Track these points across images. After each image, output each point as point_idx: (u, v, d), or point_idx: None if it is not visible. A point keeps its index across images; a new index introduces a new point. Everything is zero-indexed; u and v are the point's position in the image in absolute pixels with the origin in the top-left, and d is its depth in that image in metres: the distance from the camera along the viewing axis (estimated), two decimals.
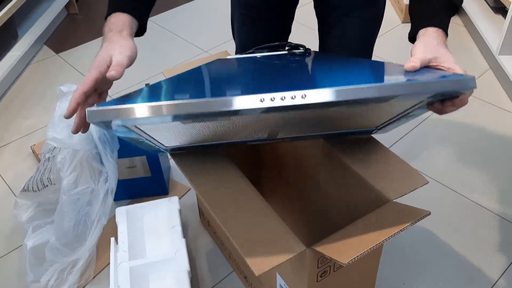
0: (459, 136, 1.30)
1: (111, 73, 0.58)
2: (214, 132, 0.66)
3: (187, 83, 0.65)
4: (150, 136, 0.66)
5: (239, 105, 0.50)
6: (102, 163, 0.95)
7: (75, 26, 2.00)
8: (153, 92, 0.60)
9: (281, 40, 0.94)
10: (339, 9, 0.89)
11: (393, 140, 1.29)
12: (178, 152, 0.82)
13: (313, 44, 0.93)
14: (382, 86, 0.50)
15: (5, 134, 1.41)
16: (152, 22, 1.94)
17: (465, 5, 1.76)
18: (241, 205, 0.71)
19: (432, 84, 0.53)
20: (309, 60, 0.76)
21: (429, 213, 0.64)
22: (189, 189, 1.17)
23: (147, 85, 0.72)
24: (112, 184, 0.96)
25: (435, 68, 0.62)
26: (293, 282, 0.73)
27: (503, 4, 1.49)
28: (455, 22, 1.82)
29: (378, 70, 0.63)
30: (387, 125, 0.74)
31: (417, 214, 0.63)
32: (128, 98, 0.56)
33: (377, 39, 0.94)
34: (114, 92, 1.54)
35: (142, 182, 1.11)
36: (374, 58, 0.98)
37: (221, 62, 0.78)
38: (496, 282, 0.93)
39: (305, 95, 0.50)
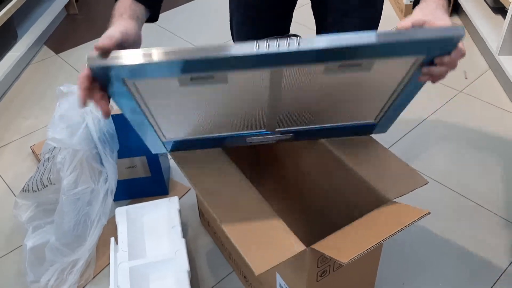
0: (458, 136, 1.30)
1: (97, 43, 0.56)
2: (213, 110, 0.67)
3: None
4: (149, 111, 0.66)
5: (235, 51, 0.52)
6: (102, 163, 0.96)
7: (75, 26, 2.00)
8: None
9: None
10: (338, 11, 0.89)
11: (393, 141, 1.29)
12: (178, 152, 0.82)
13: None
14: (373, 34, 0.53)
15: (5, 134, 1.41)
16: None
17: (465, 5, 1.76)
18: (241, 205, 0.71)
19: (419, 32, 0.54)
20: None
21: (428, 213, 0.64)
22: (189, 189, 1.17)
23: None
24: (112, 184, 0.96)
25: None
26: (293, 281, 0.73)
27: (503, 4, 1.49)
28: (454, 22, 1.82)
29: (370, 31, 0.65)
30: (385, 113, 0.75)
31: (416, 214, 0.63)
32: None
33: None
34: None
35: (142, 182, 1.12)
36: None
37: None
38: (496, 282, 0.94)
39: (300, 43, 0.53)
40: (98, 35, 0.64)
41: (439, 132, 1.32)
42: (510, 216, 1.07)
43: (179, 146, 0.81)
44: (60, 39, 1.91)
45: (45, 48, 1.85)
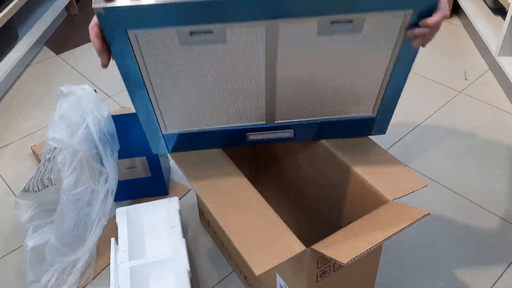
0: (458, 137, 1.30)
1: None
2: (212, 80, 0.69)
3: None
4: (150, 81, 0.67)
5: None
6: (102, 163, 0.96)
7: (75, 27, 2.00)
8: None
9: None
10: None
11: (393, 141, 1.29)
12: (178, 152, 0.83)
13: None
14: None
15: (6, 135, 1.41)
16: None
17: (464, 6, 1.76)
18: (241, 205, 0.71)
19: None
20: None
21: (428, 214, 0.64)
22: (189, 190, 1.17)
23: None
24: (112, 185, 0.96)
25: None
26: (293, 282, 0.73)
27: (502, 5, 1.50)
28: (454, 23, 1.83)
29: None
30: (382, 100, 0.75)
31: (416, 214, 0.64)
32: None
33: None
34: (114, 92, 1.54)
35: (142, 183, 1.12)
36: None
37: None
38: (495, 282, 0.94)
39: None
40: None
41: (439, 132, 1.32)
42: (510, 216, 1.07)
43: (180, 145, 0.82)
44: (61, 39, 1.91)
45: (45, 48, 1.85)
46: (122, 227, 0.98)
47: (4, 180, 1.25)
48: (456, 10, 1.86)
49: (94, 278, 0.98)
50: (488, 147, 1.26)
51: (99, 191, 0.95)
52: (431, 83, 1.50)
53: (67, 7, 2.07)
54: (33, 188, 1.00)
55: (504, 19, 1.43)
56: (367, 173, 0.75)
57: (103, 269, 1.00)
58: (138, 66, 0.66)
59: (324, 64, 0.69)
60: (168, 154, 0.85)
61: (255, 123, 0.78)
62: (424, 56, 1.63)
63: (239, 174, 0.77)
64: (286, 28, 0.62)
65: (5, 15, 1.56)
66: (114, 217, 1.01)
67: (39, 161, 1.28)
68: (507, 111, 1.39)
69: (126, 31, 0.61)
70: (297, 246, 0.63)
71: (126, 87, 0.69)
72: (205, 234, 1.07)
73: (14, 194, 1.20)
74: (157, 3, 0.57)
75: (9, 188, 1.22)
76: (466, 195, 1.12)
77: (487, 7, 1.73)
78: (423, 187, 0.71)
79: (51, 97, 1.56)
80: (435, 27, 0.62)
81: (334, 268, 0.71)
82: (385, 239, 0.60)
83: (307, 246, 0.63)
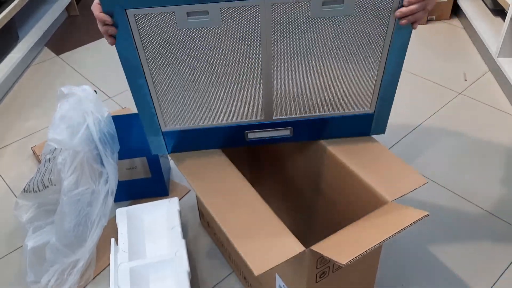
0: (457, 138, 1.30)
1: None
2: (209, 66, 0.70)
3: None
4: (147, 64, 0.69)
5: None
6: (102, 164, 0.96)
7: (76, 28, 2.01)
8: None
9: None
10: None
11: (392, 142, 1.30)
12: (178, 153, 0.83)
13: None
14: None
15: (6, 135, 1.41)
16: None
17: (464, 7, 1.77)
18: (241, 206, 0.71)
19: None
20: None
21: (427, 215, 0.64)
22: (189, 190, 1.18)
23: None
24: (113, 185, 0.97)
25: None
26: (292, 282, 0.73)
27: (502, 7, 1.50)
28: (454, 24, 1.83)
29: None
30: (379, 94, 0.76)
31: (415, 215, 0.64)
32: None
33: None
34: (114, 93, 1.55)
35: (142, 183, 1.12)
36: None
37: None
38: (495, 283, 0.94)
39: None
40: (99, 36, 0.66)
41: (438, 134, 1.32)
42: (509, 218, 1.07)
43: (179, 145, 0.82)
44: (61, 40, 1.91)
45: (46, 49, 1.86)
46: (122, 227, 0.98)
47: (4, 181, 1.25)
48: (456, 11, 1.86)
49: (94, 278, 0.99)
50: (487, 148, 1.26)
51: (99, 192, 0.95)
52: (430, 84, 1.50)
53: (67, 8, 2.07)
54: (33, 188, 1.01)
55: (504, 20, 1.44)
56: (367, 173, 0.75)
57: (103, 270, 1.00)
58: (137, 51, 0.67)
59: (319, 52, 0.70)
60: (168, 155, 0.85)
61: (253, 120, 0.78)
62: (424, 57, 1.63)
63: (238, 175, 0.77)
64: (280, 8, 0.64)
65: (6, 16, 1.57)
66: (114, 217, 1.01)
67: (39, 161, 1.29)
68: (506, 112, 1.39)
69: (125, 11, 0.62)
70: (297, 247, 0.63)
71: (126, 75, 0.71)
72: (205, 235, 1.07)
73: (15, 195, 1.20)
74: None
75: (10, 188, 1.23)
76: (465, 196, 1.13)
77: (487, 8, 1.73)
78: (423, 185, 0.71)
79: (52, 98, 1.56)
80: (421, 6, 0.65)
81: (334, 269, 0.71)
82: (384, 240, 0.60)
83: (306, 247, 0.63)
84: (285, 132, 0.81)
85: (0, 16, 1.54)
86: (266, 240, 0.65)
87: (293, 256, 0.62)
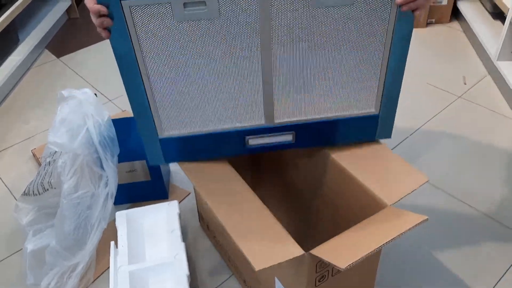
0: (457, 142, 1.30)
1: None
2: (206, 63, 0.68)
3: None
4: (143, 61, 0.67)
5: None
6: (102, 167, 0.96)
7: (76, 30, 2.01)
8: None
9: None
10: None
11: (391, 146, 1.30)
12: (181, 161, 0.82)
13: None
14: None
15: (6, 138, 1.42)
16: None
17: (464, 10, 1.77)
18: (242, 211, 0.71)
19: None
20: None
21: (426, 219, 0.64)
22: (189, 193, 1.18)
23: None
24: (112, 188, 0.97)
25: None
26: (292, 286, 0.73)
27: (502, 10, 1.50)
28: (454, 27, 1.83)
29: None
30: (383, 92, 0.74)
31: (414, 220, 0.64)
32: None
33: None
34: (114, 96, 1.55)
35: (142, 186, 1.12)
36: None
37: None
38: (494, 286, 0.94)
39: None
40: (99, 39, 0.66)
41: (438, 137, 1.32)
42: (508, 221, 1.07)
43: (177, 153, 0.80)
44: (61, 43, 1.92)
45: (46, 52, 1.86)
46: (122, 230, 0.98)
47: (4, 183, 1.25)
48: (455, 14, 1.87)
49: (93, 281, 0.99)
50: (487, 152, 1.26)
51: (99, 195, 0.95)
52: (430, 88, 1.51)
53: (68, 11, 2.08)
54: (33, 191, 1.01)
55: (503, 24, 1.44)
56: (366, 176, 0.75)
57: (102, 273, 1.00)
58: (133, 47, 0.65)
59: (320, 44, 0.67)
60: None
61: (254, 124, 0.75)
62: (424, 60, 1.64)
63: (239, 179, 0.77)
64: (279, 6, 0.62)
65: (6, 18, 1.57)
66: (114, 220, 1.01)
67: (39, 164, 1.29)
68: (506, 115, 1.39)
69: (120, 2, 0.60)
70: (296, 251, 0.63)
71: (121, 74, 0.68)
72: (204, 238, 1.07)
73: (14, 197, 1.20)
74: None
75: (10, 191, 1.23)
76: (464, 199, 1.13)
77: (487, 12, 1.73)
78: (424, 183, 0.71)
79: (52, 100, 1.56)
80: None
81: (333, 273, 0.71)
82: (383, 245, 0.60)
83: (306, 251, 0.63)
84: (288, 137, 0.78)
85: (0, 19, 1.54)
86: (266, 242, 0.65)
87: (293, 260, 0.62)
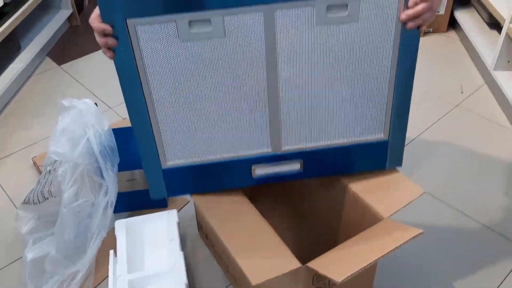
0: (453, 151, 1.31)
1: None
2: (212, 84, 0.67)
3: None
4: (147, 81, 0.66)
5: None
6: (102, 176, 0.97)
7: (78, 38, 2.02)
8: None
9: None
10: None
11: None
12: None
13: None
14: None
15: (7, 145, 1.42)
16: None
17: (461, 20, 1.79)
18: (240, 223, 0.72)
19: None
20: None
21: (421, 233, 0.65)
22: (188, 202, 1.19)
23: None
24: (112, 197, 0.98)
25: None
26: None
27: (498, 21, 1.52)
28: (451, 37, 1.85)
29: None
30: (391, 114, 0.71)
31: (410, 233, 0.65)
32: None
33: None
34: (114, 103, 1.56)
35: (142, 195, 1.13)
36: None
37: None
38: None
39: None
40: (100, 47, 0.67)
41: (435, 146, 1.33)
42: (506, 231, 1.08)
43: (181, 186, 0.77)
44: (63, 50, 1.93)
45: (47, 59, 1.87)
46: (121, 239, 0.99)
47: (5, 192, 1.26)
48: (452, 24, 1.88)
49: None
50: (483, 161, 1.27)
51: (99, 204, 0.96)
52: (427, 96, 1.52)
53: (69, 18, 2.09)
54: (33, 200, 1.02)
55: (500, 34, 1.46)
56: (363, 189, 0.76)
57: (101, 281, 1.01)
58: (137, 68, 0.65)
59: (325, 63, 0.66)
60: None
61: (260, 152, 0.73)
62: (421, 69, 1.65)
63: (238, 192, 0.78)
64: (284, 15, 0.61)
65: (8, 26, 1.58)
66: (113, 229, 1.02)
67: (39, 172, 1.29)
68: (502, 125, 1.40)
69: (125, 20, 0.60)
70: (293, 264, 0.64)
71: (124, 97, 0.67)
72: (203, 247, 1.08)
73: (15, 205, 1.21)
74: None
75: (10, 199, 1.23)
76: (462, 209, 1.14)
77: (483, 22, 1.75)
78: (420, 195, 0.71)
79: (53, 108, 1.57)
80: (427, 5, 0.61)
81: (329, 285, 0.72)
82: (379, 258, 0.61)
83: (303, 263, 0.64)
84: (296, 166, 0.75)
85: (2, 27, 1.55)
86: (264, 254, 0.66)
87: (290, 272, 0.63)
